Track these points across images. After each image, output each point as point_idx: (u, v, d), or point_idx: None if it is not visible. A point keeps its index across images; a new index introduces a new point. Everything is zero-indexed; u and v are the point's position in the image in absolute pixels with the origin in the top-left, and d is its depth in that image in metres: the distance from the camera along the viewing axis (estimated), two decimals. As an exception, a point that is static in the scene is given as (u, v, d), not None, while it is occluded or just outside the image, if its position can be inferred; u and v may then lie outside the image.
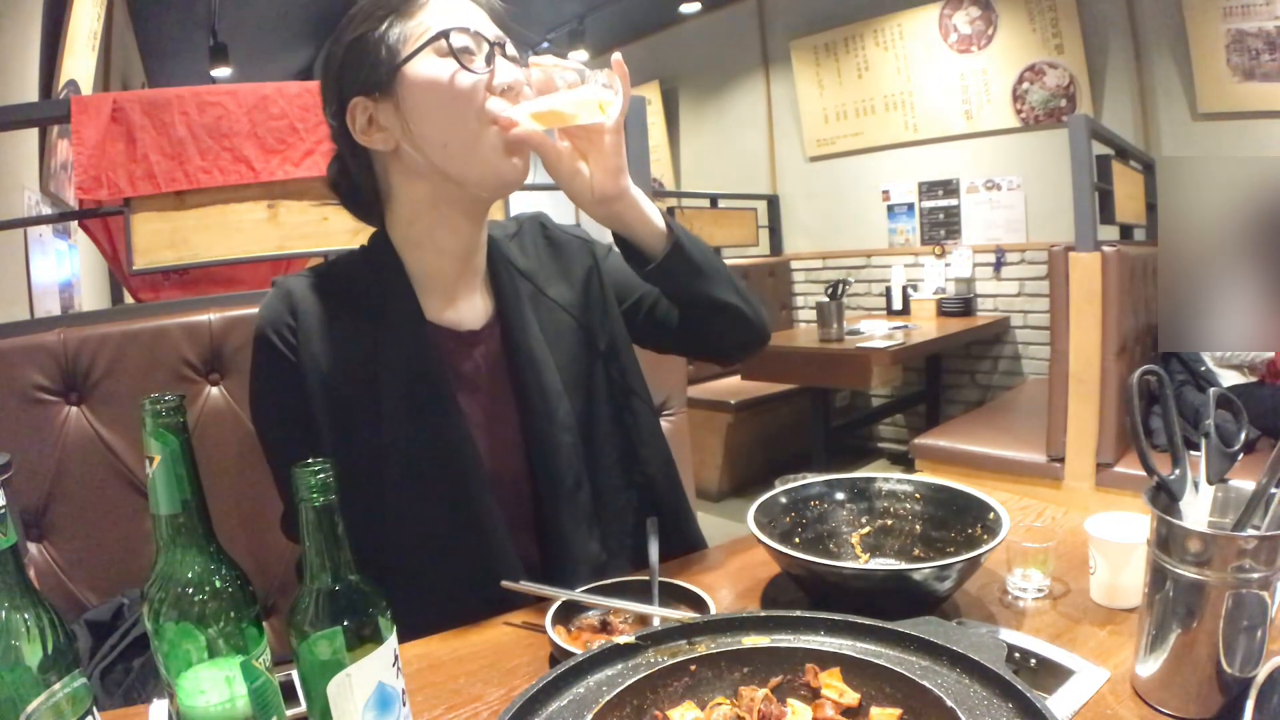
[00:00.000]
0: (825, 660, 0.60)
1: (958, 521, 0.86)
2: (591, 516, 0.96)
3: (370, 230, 0.96)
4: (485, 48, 0.84)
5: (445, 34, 0.82)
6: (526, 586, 0.84)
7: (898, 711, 0.56)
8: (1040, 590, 0.81)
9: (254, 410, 0.93)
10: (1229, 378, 2.34)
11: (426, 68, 0.83)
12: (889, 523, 0.91)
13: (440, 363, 0.90)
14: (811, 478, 0.94)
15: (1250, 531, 0.60)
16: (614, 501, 0.98)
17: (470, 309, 0.95)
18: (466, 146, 0.84)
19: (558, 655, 0.71)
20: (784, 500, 0.90)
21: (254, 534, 1.16)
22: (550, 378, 0.94)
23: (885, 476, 0.93)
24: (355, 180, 0.91)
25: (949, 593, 0.77)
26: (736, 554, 0.98)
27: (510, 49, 0.88)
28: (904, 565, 0.85)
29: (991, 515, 0.81)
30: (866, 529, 0.91)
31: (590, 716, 0.53)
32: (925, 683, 0.54)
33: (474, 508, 0.89)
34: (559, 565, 0.93)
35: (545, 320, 0.97)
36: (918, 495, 0.90)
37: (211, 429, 1.14)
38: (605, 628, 0.78)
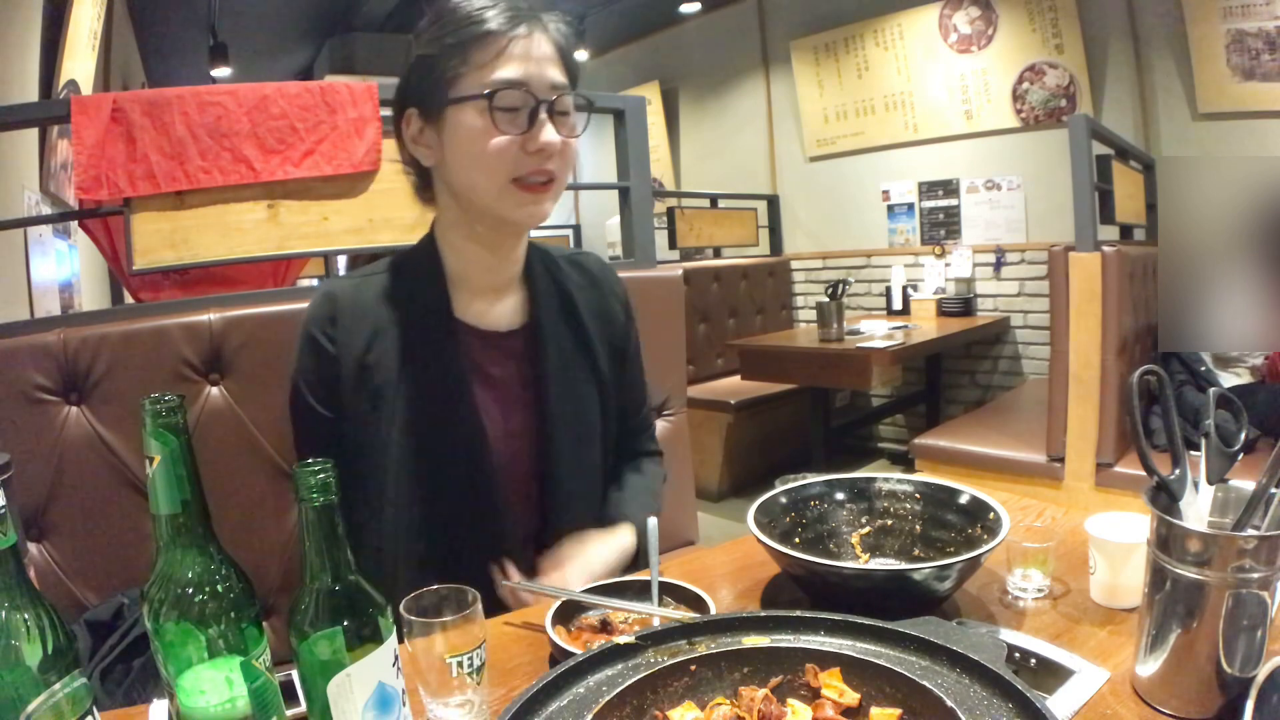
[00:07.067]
0: (825, 660, 0.60)
1: (958, 521, 0.86)
2: (583, 511, 1.01)
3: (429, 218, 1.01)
4: (530, 105, 0.85)
5: (491, 95, 0.84)
6: (527, 586, 0.85)
7: (898, 711, 0.56)
8: (1040, 590, 0.81)
9: (292, 399, 0.98)
10: (1230, 378, 2.34)
11: (469, 118, 0.86)
12: (889, 523, 0.91)
13: (462, 357, 0.95)
14: (811, 478, 0.94)
15: (1250, 531, 0.60)
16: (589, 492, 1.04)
17: (502, 310, 1.00)
18: (491, 195, 0.89)
19: (558, 655, 0.71)
20: (784, 500, 0.90)
21: (254, 534, 1.16)
22: (567, 387, 0.99)
23: (885, 476, 0.93)
24: (415, 172, 0.97)
25: (949, 593, 0.77)
26: (736, 554, 0.98)
27: (567, 100, 0.89)
28: (904, 565, 0.85)
29: (991, 515, 0.81)
30: (866, 529, 0.91)
31: (590, 716, 0.53)
32: (925, 683, 0.54)
33: (479, 494, 0.94)
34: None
35: (574, 336, 1.02)
36: (918, 495, 0.90)
37: (211, 429, 1.14)
38: (605, 628, 0.78)
